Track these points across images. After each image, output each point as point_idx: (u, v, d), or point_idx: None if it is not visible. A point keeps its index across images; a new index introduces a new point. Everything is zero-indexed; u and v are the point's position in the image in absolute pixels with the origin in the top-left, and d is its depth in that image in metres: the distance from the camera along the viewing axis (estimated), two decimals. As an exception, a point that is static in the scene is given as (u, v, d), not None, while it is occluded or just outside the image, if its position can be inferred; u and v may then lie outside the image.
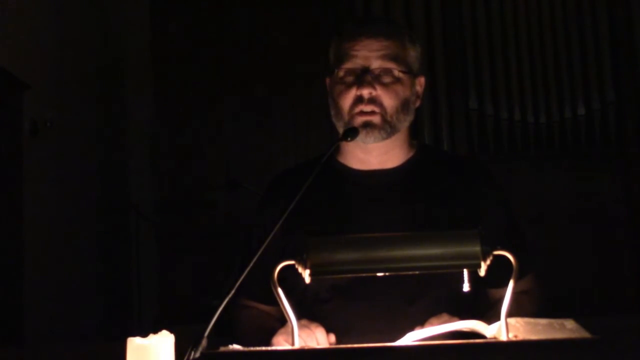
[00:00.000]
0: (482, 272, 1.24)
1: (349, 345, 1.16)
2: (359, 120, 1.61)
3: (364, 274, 1.32)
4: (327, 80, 1.71)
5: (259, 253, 1.30)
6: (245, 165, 5.00)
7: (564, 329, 1.19)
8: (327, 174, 1.62)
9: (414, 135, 5.07)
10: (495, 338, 1.23)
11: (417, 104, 1.71)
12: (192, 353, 1.10)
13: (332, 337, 1.48)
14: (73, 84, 4.31)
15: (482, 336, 1.27)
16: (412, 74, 1.66)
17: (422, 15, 5.09)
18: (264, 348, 1.33)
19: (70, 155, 4.22)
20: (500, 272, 1.26)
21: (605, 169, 4.95)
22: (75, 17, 4.43)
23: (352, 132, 1.60)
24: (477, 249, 1.22)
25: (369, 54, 1.61)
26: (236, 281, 1.27)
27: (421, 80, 1.71)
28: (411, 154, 1.74)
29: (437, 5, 5.10)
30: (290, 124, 5.15)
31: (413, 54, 1.68)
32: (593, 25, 5.03)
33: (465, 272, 1.30)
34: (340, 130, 1.64)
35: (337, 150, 1.71)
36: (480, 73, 5.03)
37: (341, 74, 1.64)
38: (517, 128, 4.98)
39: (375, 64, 1.61)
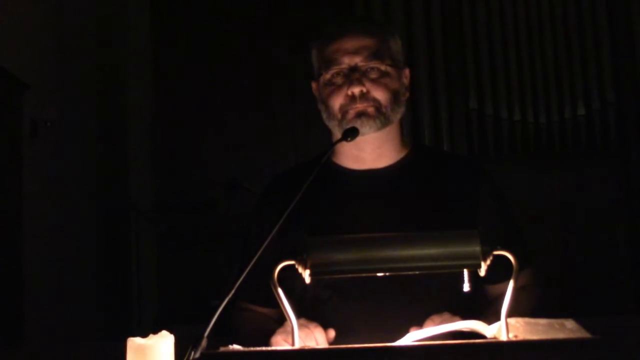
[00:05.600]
0: (482, 272, 1.24)
1: (349, 345, 1.16)
2: (353, 112, 1.62)
3: (363, 274, 1.31)
4: (313, 84, 1.73)
5: (257, 256, 1.29)
6: (245, 165, 5.00)
7: (564, 329, 1.19)
8: (322, 175, 1.62)
9: (414, 134, 5.06)
10: (495, 338, 1.23)
11: (407, 95, 1.73)
12: (192, 353, 1.10)
13: (332, 333, 1.48)
14: (73, 84, 4.31)
15: (482, 336, 1.27)
16: (397, 66, 1.68)
17: (422, 15, 5.09)
18: (264, 348, 1.33)
19: (70, 155, 4.21)
20: (497, 269, 1.26)
21: (605, 169, 4.95)
22: (75, 18, 4.43)
23: (351, 133, 1.61)
24: (477, 249, 1.22)
25: (354, 54, 1.64)
26: (235, 283, 1.27)
27: (406, 72, 1.74)
28: (405, 152, 1.74)
29: (437, 5, 5.10)
30: (290, 124, 5.15)
31: (395, 47, 1.70)
32: (593, 25, 5.03)
33: (466, 272, 1.30)
34: (335, 130, 1.66)
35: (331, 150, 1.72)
36: (480, 73, 5.04)
37: (328, 76, 1.66)
38: (517, 128, 4.98)
39: (361, 63, 1.64)
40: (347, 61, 1.63)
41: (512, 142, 4.98)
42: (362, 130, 1.63)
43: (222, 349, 1.17)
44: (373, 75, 1.64)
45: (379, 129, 1.64)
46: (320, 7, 5.08)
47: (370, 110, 1.63)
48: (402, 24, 5.00)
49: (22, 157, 3.58)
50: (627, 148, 4.93)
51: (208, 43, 5.21)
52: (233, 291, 1.24)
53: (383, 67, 1.64)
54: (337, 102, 1.64)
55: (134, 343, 1.09)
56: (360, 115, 1.62)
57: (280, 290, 1.24)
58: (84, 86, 4.50)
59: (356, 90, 1.62)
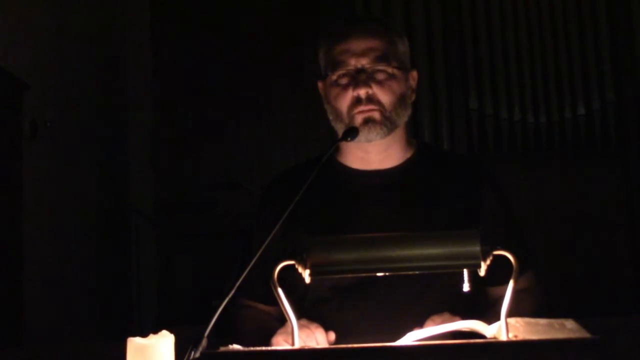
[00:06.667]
0: (482, 272, 1.24)
1: (349, 345, 1.16)
2: (360, 118, 1.62)
3: (364, 274, 1.32)
4: (320, 84, 1.72)
5: (259, 253, 1.30)
6: (245, 165, 5.00)
7: (564, 329, 1.19)
8: (326, 174, 1.62)
9: (414, 134, 5.05)
10: (495, 338, 1.23)
11: (413, 98, 1.72)
12: (192, 353, 1.10)
13: (332, 335, 1.48)
14: (73, 84, 4.30)
15: (482, 336, 1.27)
16: (404, 69, 1.67)
17: (422, 15, 5.09)
18: (264, 348, 1.33)
19: (70, 155, 4.21)
20: (499, 271, 1.26)
21: (605, 169, 4.95)
22: (75, 17, 4.43)
23: (352, 132, 1.61)
24: (477, 249, 1.22)
25: (361, 56, 1.63)
26: (236, 281, 1.27)
27: (414, 74, 1.73)
28: (410, 153, 1.74)
29: (437, 5, 5.10)
30: (290, 124, 5.15)
31: (402, 49, 1.69)
32: (593, 25, 5.03)
33: (466, 272, 1.30)
34: (341, 132, 1.65)
35: (337, 150, 1.72)
36: (480, 73, 5.03)
37: (335, 77, 1.65)
38: (517, 128, 4.98)
39: (368, 65, 1.62)
40: (353, 63, 1.62)
41: (512, 142, 4.98)
42: (368, 137, 1.63)
43: (222, 349, 1.17)
44: (380, 77, 1.63)
45: (386, 135, 1.64)
46: (320, 6, 5.08)
47: (376, 115, 1.62)
48: (402, 24, 5.00)
49: (22, 157, 3.57)
50: (627, 148, 4.93)
51: (209, 43, 5.21)
52: (233, 291, 1.24)
53: (390, 70, 1.63)
54: (343, 104, 1.63)
55: (134, 343, 1.09)
56: (367, 121, 1.61)
57: (280, 291, 1.24)
58: (84, 86, 4.49)
59: (362, 92, 1.61)
